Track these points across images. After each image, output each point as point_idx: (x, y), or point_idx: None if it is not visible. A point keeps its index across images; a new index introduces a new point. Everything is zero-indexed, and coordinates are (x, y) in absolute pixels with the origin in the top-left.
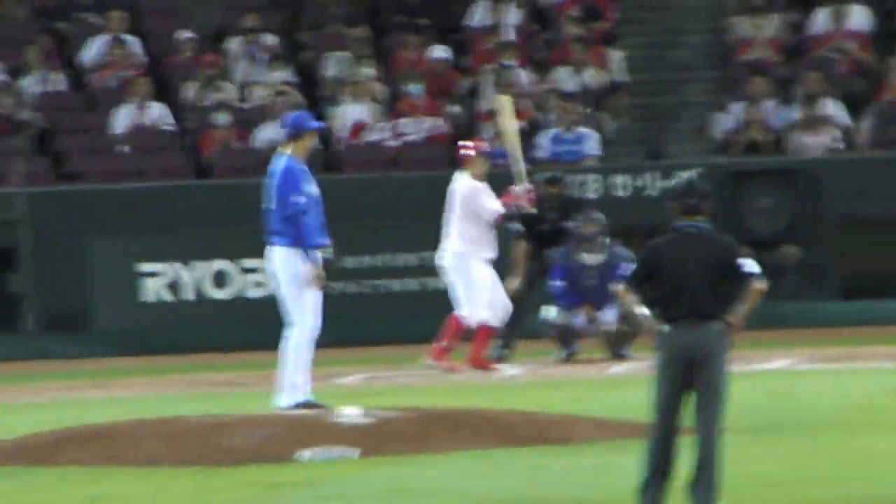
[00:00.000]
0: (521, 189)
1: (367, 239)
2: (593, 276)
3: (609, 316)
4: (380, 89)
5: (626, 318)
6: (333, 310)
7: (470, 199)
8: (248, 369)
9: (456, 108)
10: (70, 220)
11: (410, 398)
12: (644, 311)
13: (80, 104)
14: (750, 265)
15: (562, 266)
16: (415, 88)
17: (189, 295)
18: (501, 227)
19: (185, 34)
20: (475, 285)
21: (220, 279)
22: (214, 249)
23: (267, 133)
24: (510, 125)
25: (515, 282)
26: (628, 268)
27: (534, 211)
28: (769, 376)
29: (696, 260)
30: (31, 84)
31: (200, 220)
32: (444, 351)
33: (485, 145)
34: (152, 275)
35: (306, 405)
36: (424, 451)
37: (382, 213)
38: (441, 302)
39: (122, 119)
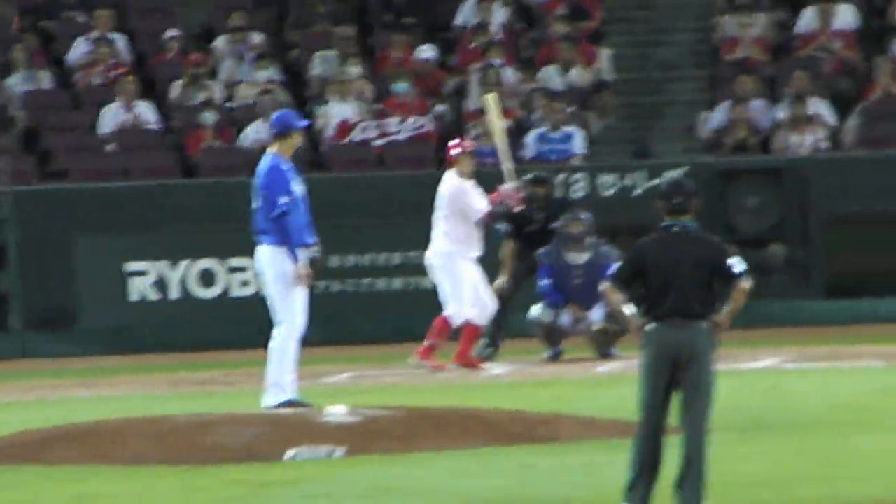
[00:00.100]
0: (511, 187)
1: (353, 238)
2: (580, 275)
3: (596, 315)
4: (367, 88)
5: (613, 317)
6: (320, 309)
7: (457, 197)
8: (234, 368)
9: (443, 107)
10: (56, 219)
11: (397, 397)
12: (631, 309)
13: (66, 103)
14: (738, 264)
15: (549, 265)
16: (402, 87)
17: (176, 294)
18: (490, 227)
19: (172, 33)
20: (461, 284)
21: (206, 278)
22: (201, 248)
23: (253, 132)
24: (497, 124)
25: (503, 281)
26: (615, 267)
27: (522, 209)
28: (756, 375)
29: (686, 259)
30: (17, 83)
31: (187, 218)
32: (430, 349)
33: (472, 144)
34: (139, 273)
35: (292, 404)
36: (411, 450)
37: (369, 212)
38: (428, 301)
39: (109, 118)
